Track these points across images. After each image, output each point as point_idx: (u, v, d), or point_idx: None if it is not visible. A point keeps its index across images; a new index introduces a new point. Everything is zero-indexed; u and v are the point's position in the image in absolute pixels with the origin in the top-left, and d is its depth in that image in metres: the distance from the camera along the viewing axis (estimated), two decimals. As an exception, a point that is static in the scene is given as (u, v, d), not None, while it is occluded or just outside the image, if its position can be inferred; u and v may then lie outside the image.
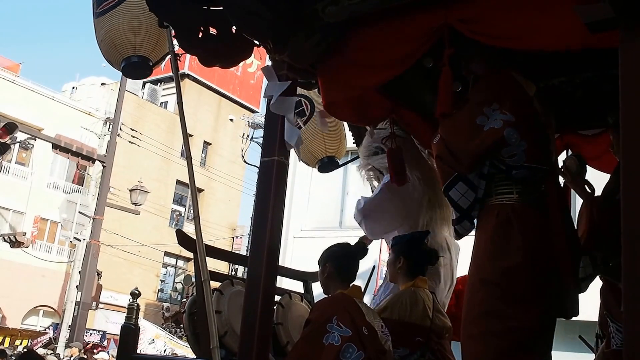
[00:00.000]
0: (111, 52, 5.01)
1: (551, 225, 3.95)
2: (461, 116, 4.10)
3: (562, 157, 5.50)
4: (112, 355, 20.79)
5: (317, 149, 6.27)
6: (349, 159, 7.58)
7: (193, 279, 35.61)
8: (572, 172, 4.71)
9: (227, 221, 44.03)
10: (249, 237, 30.59)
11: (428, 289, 4.94)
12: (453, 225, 4.26)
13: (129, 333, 4.47)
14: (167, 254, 40.39)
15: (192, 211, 41.87)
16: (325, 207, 18.71)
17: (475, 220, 4.16)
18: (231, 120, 44.50)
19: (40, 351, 22.59)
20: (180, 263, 42.71)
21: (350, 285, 4.33)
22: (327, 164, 6.35)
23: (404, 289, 4.90)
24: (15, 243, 28.65)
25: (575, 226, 4.41)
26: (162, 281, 42.09)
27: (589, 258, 4.49)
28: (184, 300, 30.95)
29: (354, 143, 6.41)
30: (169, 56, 5.12)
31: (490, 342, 3.81)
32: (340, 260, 4.41)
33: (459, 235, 4.28)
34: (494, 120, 3.93)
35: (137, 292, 4.61)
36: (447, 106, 4.07)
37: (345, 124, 6.32)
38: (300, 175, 17.37)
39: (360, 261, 4.49)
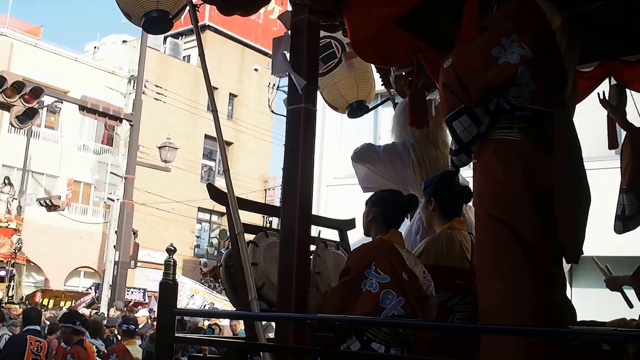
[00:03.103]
0: (131, 8, 4.97)
1: (553, 165, 3.75)
2: (477, 44, 3.89)
3: (602, 86, 5.30)
4: (154, 310, 20.98)
5: (348, 93, 6.09)
6: (379, 102, 7.37)
7: (228, 233, 35.82)
8: (613, 102, 4.49)
9: (259, 173, 44.07)
10: (281, 188, 30.61)
11: (466, 230, 4.78)
12: (450, 155, 4.12)
13: (168, 289, 4.42)
14: (200, 209, 40.63)
15: (221, 165, 41.94)
16: (357, 153, 18.22)
17: (471, 155, 4.02)
18: (256, 70, 44.33)
19: (85, 311, 22.88)
20: (215, 218, 42.97)
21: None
22: (357, 109, 6.17)
23: (439, 232, 4.77)
24: (51, 207, 28.92)
25: (620, 162, 4.21)
26: (197, 237, 42.45)
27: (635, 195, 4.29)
28: (221, 254, 31.13)
29: (382, 85, 6.21)
30: (188, 8, 4.98)
31: (503, 277, 3.69)
32: (388, 207, 4.31)
33: (455, 167, 4.18)
34: (510, 53, 3.73)
35: (173, 248, 4.56)
36: (471, 35, 3.93)
37: (373, 67, 6.12)
38: (330, 122, 17.12)
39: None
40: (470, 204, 4.93)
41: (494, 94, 3.81)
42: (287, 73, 4.28)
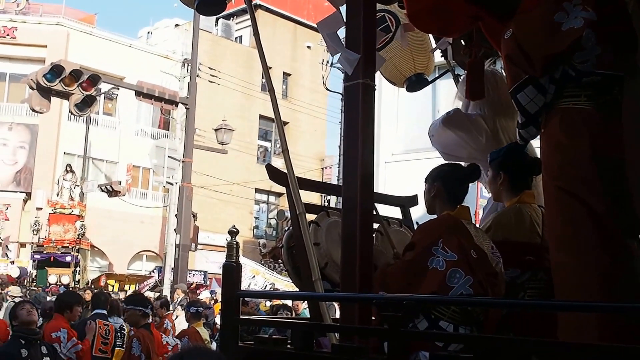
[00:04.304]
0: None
1: (624, 134, 3.60)
2: (538, 12, 3.78)
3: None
4: (218, 293, 21.11)
5: (405, 67, 5.94)
6: (437, 75, 7.22)
7: (286, 214, 36.18)
8: None
9: (315, 152, 44.02)
10: (338, 167, 30.54)
11: (536, 203, 4.62)
12: (518, 129, 4.01)
13: (231, 271, 4.40)
14: (257, 190, 40.82)
15: (278, 146, 42.09)
16: (415, 128, 17.95)
17: (540, 126, 3.87)
18: (309, 47, 44.19)
19: (149, 294, 23.15)
20: (272, 199, 43.13)
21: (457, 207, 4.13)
22: (415, 82, 6.03)
23: (509, 206, 4.62)
24: (112, 192, 29.36)
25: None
26: (256, 218, 42.68)
27: None
28: (282, 233, 31.25)
29: (441, 57, 6.07)
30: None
31: (575, 247, 3.56)
32: (450, 181, 4.21)
33: (523, 140, 4.07)
34: (574, 18, 3.61)
35: (235, 230, 4.53)
36: (532, 1, 3.81)
37: (432, 39, 5.98)
38: (386, 96, 16.90)
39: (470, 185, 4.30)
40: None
41: (559, 62, 3.68)
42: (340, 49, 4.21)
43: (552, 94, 3.73)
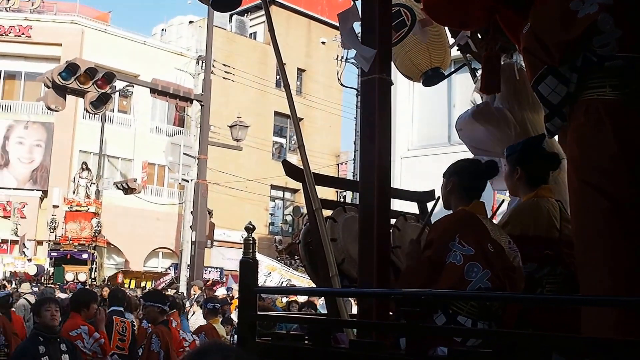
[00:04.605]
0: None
1: None
2: (554, 1, 3.74)
3: None
4: (234, 289, 21.15)
5: (421, 61, 5.87)
6: (454, 69, 7.14)
7: (302, 210, 36.19)
8: None
9: (330, 148, 43.98)
10: (354, 163, 30.50)
11: (554, 197, 4.57)
12: (544, 122, 3.90)
13: (248, 267, 4.40)
14: (273, 187, 40.83)
15: (293, 142, 42.11)
16: (431, 122, 17.89)
17: (566, 117, 3.78)
18: (323, 43, 44.14)
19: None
20: (288, 195, 43.15)
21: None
22: (432, 77, 5.96)
23: (525, 200, 4.57)
24: (128, 189, 29.44)
25: None
26: (271, 214, 42.68)
27: None
28: (300, 230, 31.25)
29: (457, 50, 6.02)
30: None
31: (601, 243, 3.49)
32: (467, 176, 4.19)
33: (550, 133, 3.97)
34: (589, 5, 3.56)
35: (252, 227, 4.52)
36: None
37: (448, 32, 5.93)
38: (401, 91, 16.80)
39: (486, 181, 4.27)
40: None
41: (578, 49, 3.62)
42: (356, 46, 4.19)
43: (575, 83, 3.65)
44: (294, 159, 34.19)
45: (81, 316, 8.42)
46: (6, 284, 22.49)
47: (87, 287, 22.64)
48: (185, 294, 21.91)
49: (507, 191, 5.05)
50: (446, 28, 5.84)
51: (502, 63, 5.53)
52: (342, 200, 30.38)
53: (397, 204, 4.89)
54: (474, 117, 5.51)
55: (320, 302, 14.80)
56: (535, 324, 3.93)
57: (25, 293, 17.59)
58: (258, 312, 4.48)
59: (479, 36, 5.71)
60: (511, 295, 3.76)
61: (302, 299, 17.63)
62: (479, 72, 6.13)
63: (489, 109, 5.51)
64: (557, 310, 3.99)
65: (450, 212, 4.18)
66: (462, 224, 3.90)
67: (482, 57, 5.33)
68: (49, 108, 20.43)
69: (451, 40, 6.00)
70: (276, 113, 41.39)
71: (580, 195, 3.63)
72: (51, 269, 30.66)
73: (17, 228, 34.53)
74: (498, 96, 5.53)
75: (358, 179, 4.38)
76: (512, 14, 4.83)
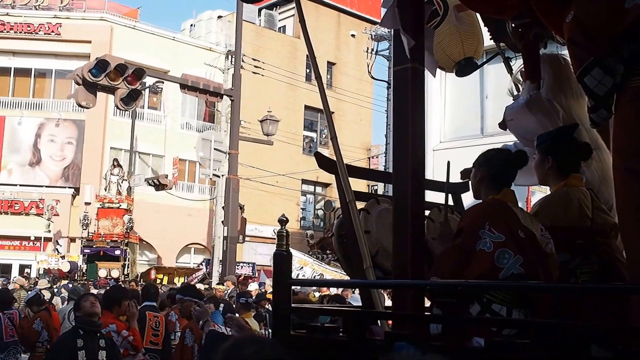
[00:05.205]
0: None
1: None
2: None
3: None
4: (267, 284, 21.19)
5: (454, 51, 5.81)
6: (486, 59, 7.06)
7: (333, 205, 36.21)
8: None
9: (361, 142, 43.90)
10: (385, 156, 30.42)
11: (584, 186, 4.50)
12: (589, 113, 3.83)
13: (282, 259, 4.39)
14: (304, 181, 40.87)
15: (323, 136, 42.09)
16: (463, 114, 17.71)
17: (612, 109, 3.69)
18: (353, 36, 44.05)
19: (198, 286, 23.30)
20: (319, 189, 43.15)
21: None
22: (465, 67, 5.89)
23: (555, 190, 4.50)
24: (159, 186, 29.59)
25: None
26: (302, 209, 42.71)
27: None
28: (332, 224, 31.22)
29: (490, 39, 5.95)
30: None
31: None
32: (496, 166, 4.13)
33: (595, 124, 3.88)
34: None
35: (285, 219, 4.52)
36: None
37: (481, 22, 5.85)
38: (432, 82, 16.63)
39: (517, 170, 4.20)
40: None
41: (625, 40, 3.54)
42: (392, 32, 4.14)
43: (622, 74, 3.58)
44: (325, 153, 34.13)
45: (113, 313, 8.43)
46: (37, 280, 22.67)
47: (120, 283, 22.80)
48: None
49: (531, 185, 4.99)
50: (479, 17, 5.78)
51: (547, 54, 5.47)
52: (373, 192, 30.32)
53: (430, 196, 4.83)
54: (527, 107, 5.40)
55: (350, 296, 14.77)
56: (573, 315, 3.87)
57: (43, 289, 17.68)
58: (292, 305, 4.47)
59: (513, 25, 5.64)
60: (553, 285, 3.72)
61: (333, 292, 17.66)
62: (513, 61, 6.06)
63: (540, 99, 5.41)
64: (599, 301, 3.92)
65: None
66: (492, 212, 3.86)
67: (520, 45, 5.26)
68: (79, 105, 20.57)
69: (484, 30, 5.94)
70: (306, 107, 41.39)
71: (625, 184, 3.56)
72: (84, 266, 30.89)
73: (50, 225, 34.88)
74: (544, 87, 5.44)
75: (391, 171, 4.33)
76: (549, 0, 4.76)
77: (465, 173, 5.68)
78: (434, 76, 4.10)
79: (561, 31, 4.57)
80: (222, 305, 13.57)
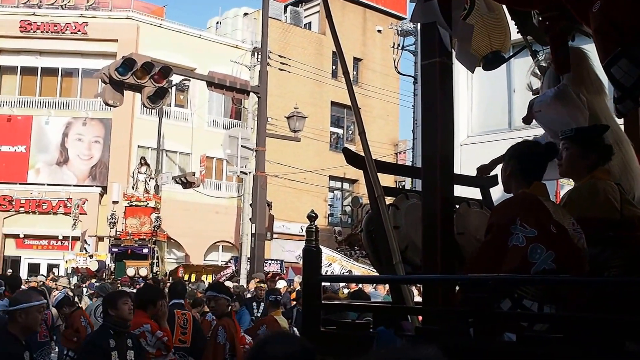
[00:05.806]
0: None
1: None
2: None
3: None
4: (294, 281, 21.19)
5: (481, 45, 5.76)
6: (513, 53, 7.00)
7: (361, 200, 36.11)
8: None
9: (388, 137, 43.82)
10: (412, 152, 30.30)
11: (611, 179, 4.46)
12: (615, 103, 3.85)
13: (312, 256, 4.43)
14: (331, 177, 40.83)
15: (350, 132, 42.03)
16: (490, 108, 17.53)
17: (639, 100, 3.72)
18: (379, 31, 43.97)
19: (228, 284, 23.34)
20: (346, 185, 43.11)
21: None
22: (492, 60, 5.86)
23: (581, 182, 4.47)
24: (186, 184, 29.68)
25: None
26: (330, 205, 42.67)
27: None
28: (360, 220, 31.17)
29: (517, 32, 5.90)
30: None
31: None
32: (524, 159, 4.09)
33: (620, 115, 3.88)
34: None
35: (314, 215, 4.56)
36: None
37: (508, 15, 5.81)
38: (458, 76, 16.50)
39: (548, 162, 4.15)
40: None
41: None
42: (419, 26, 4.11)
43: None
44: (352, 149, 34.10)
45: (146, 313, 8.39)
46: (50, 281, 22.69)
47: (149, 281, 22.85)
48: (245, 287, 21.98)
49: (559, 179, 4.94)
50: (506, 11, 5.74)
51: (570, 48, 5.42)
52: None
53: (458, 190, 4.81)
54: (557, 99, 5.35)
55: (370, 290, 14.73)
56: (606, 309, 3.83)
57: (65, 287, 17.78)
58: (322, 302, 4.47)
59: (540, 18, 5.59)
60: (584, 279, 3.70)
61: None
62: (540, 54, 6.00)
63: (568, 91, 5.36)
64: (632, 294, 3.87)
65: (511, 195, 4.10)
66: (523, 207, 3.82)
67: (549, 37, 5.22)
68: (106, 104, 20.61)
69: (511, 23, 5.89)
70: (333, 103, 41.39)
71: None
72: (112, 265, 31.05)
73: (77, 224, 35.11)
74: (564, 80, 5.39)
75: (419, 166, 4.33)
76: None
77: (481, 169, 5.66)
78: (472, 72, 4.07)
79: (589, 22, 4.54)
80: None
